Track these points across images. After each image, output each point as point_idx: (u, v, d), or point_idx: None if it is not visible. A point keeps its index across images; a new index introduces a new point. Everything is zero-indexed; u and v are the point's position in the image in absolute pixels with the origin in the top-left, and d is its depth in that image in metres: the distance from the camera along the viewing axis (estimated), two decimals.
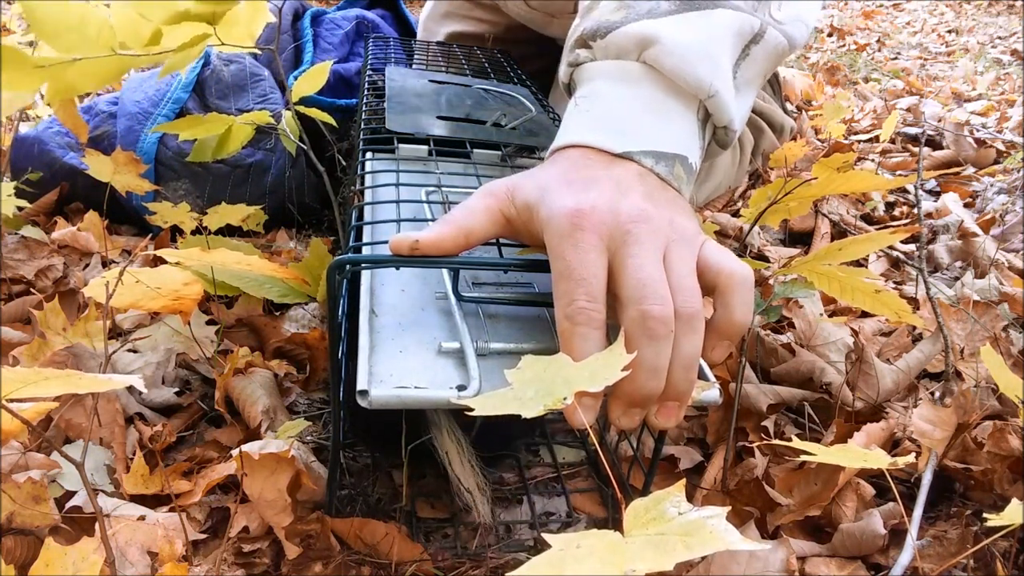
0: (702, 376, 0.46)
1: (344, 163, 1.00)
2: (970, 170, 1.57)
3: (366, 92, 0.82)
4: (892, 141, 1.77)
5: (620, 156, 0.48)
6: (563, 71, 0.58)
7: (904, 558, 0.54)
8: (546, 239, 0.44)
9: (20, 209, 0.99)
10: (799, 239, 1.23)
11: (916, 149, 1.69)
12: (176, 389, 0.74)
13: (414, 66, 0.96)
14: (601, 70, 0.53)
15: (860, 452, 0.43)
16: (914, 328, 0.89)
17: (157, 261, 0.56)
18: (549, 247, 0.43)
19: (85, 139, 0.91)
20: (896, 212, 1.35)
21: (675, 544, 0.26)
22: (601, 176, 0.46)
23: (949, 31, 4.15)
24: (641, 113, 0.50)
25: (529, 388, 0.35)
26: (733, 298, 0.43)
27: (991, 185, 1.42)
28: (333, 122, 0.86)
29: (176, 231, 0.96)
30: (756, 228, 1.15)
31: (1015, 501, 0.37)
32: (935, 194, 1.46)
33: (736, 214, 1.23)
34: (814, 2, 0.60)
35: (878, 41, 3.70)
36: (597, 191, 0.44)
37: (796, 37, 0.56)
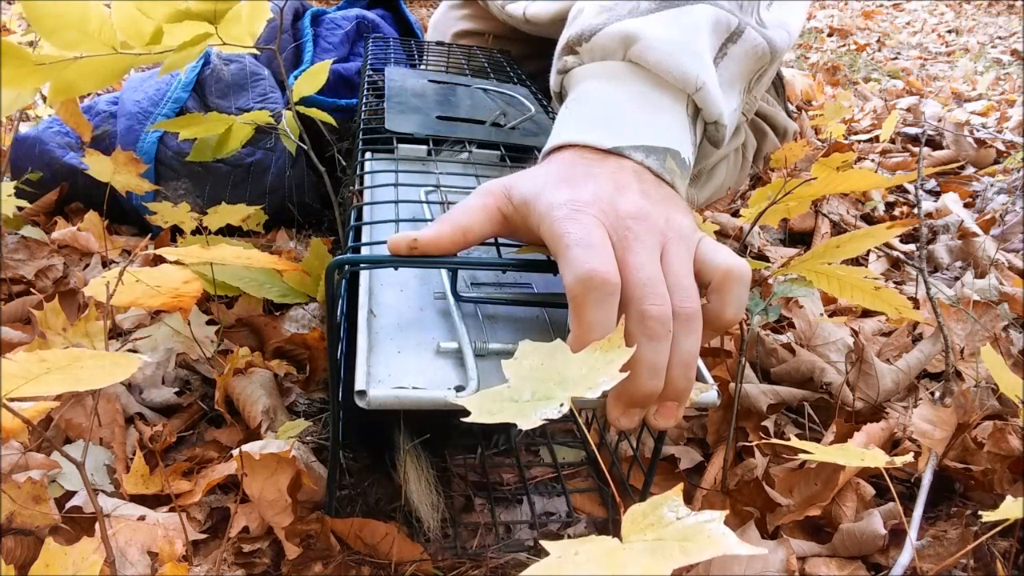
0: (700, 378, 0.46)
1: (344, 163, 1.00)
2: (970, 170, 1.57)
3: (366, 92, 0.82)
4: (892, 141, 1.77)
5: (611, 152, 0.48)
6: (554, 80, 0.59)
7: (904, 558, 0.54)
8: (544, 229, 0.43)
9: (20, 209, 0.99)
10: (799, 239, 1.23)
11: (916, 149, 1.69)
12: (176, 389, 0.74)
13: (416, 66, 0.96)
14: (589, 72, 0.54)
15: (859, 452, 0.43)
16: (914, 328, 0.89)
17: (157, 261, 0.56)
18: (549, 234, 0.43)
19: (88, 137, 0.91)
20: (896, 212, 1.35)
21: (672, 550, 0.26)
22: (597, 173, 0.46)
23: (949, 31, 4.15)
24: (629, 108, 0.51)
25: (526, 387, 0.35)
26: (728, 295, 0.43)
27: (991, 185, 1.42)
28: (333, 122, 0.86)
29: (176, 231, 0.96)
30: (756, 228, 1.15)
31: (1010, 497, 0.37)
32: (935, 194, 1.46)
33: (736, 214, 1.23)
34: (800, 8, 0.61)
35: (878, 41, 3.70)
36: (594, 186, 0.44)
37: (777, 42, 0.56)
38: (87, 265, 0.99)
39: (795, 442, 0.44)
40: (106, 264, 0.98)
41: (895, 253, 1.13)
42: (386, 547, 0.56)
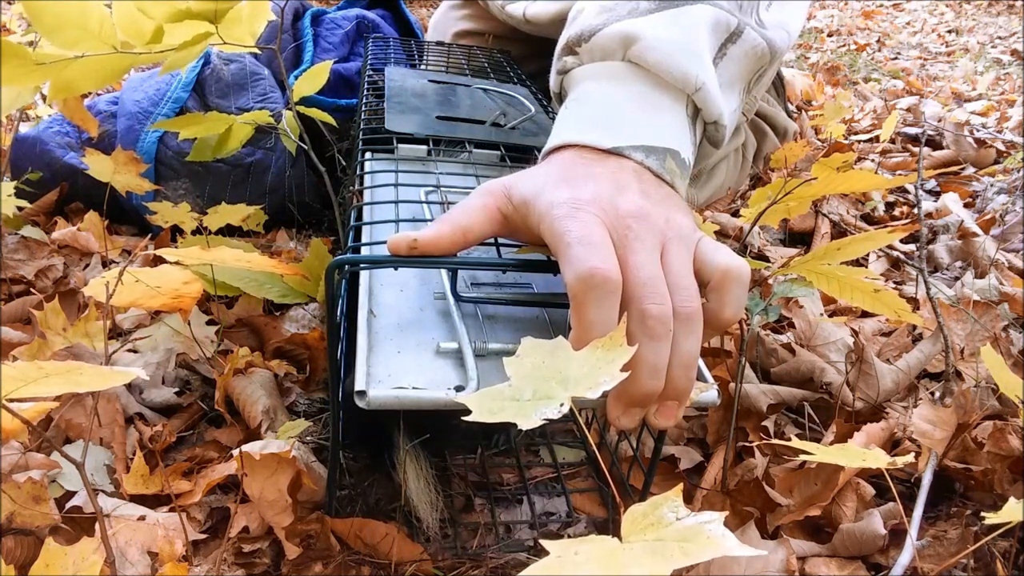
0: (700, 378, 0.46)
1: (344, 163, 1.00)
2: (970, 170, 1.57)
3: (366, 92, 0.82)
4: (892, 141, 1.77)
5: (611, 152, 0.48)
6: (553, 80, 0.59)
7: (904, 558, 0.54)
8: (544, 228, 0.43)
9: (20, 209, 0.99)
10: (799, 239, 1.23)
11: (916, 149, 1.69)
12: (176, 389, 0.74)
13: (416, 66, 0.96)
14: (588, 73, 0.54)
15: (860, 452, 0.43)
16: (914, 328, 0.89)
17: (157, 261, 0.56)
18: (550, 233, 0.42)
19: (96, 133, 0.91)
20: (896, 212, 1.35)
21: (673, 550, 0.26)
22: (597, 172, 0.46)
23: (949, 31, 4.15)
24: (629, 108, 0.51)
25: (527, 386, 0.35)
26: (727, 295, 0.43)
27: (991, 185, 1.42)
28: (333, 122, 0.86)
29: (176, 231, 0.96)
30: (756, 228, 1.15)
31: (1013, 499, 0.37)
32: (935, 194, 1.46)
33: (736, 214, 1.23)
34: (800, 9, 0.61)
35: (878, 41, 3.70)
36: (594, 185, 0.44)
37: (777, 43, 0.56)
38: (87, 265, 0.99)
39: (795, 442, 0.44)
40: (106, 264, 0.98)
41: (895, 253, 1.13)
42: (386, 547, 0.56)
